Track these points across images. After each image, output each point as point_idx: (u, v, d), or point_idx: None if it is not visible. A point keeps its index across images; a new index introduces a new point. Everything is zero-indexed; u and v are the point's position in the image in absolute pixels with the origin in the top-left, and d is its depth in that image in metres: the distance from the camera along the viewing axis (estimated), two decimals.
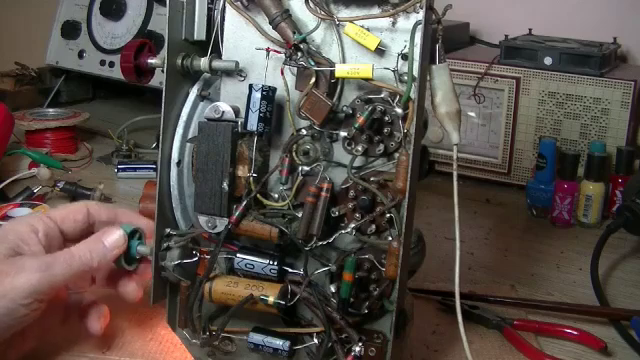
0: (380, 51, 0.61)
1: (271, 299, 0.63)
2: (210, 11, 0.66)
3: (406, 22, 0.60)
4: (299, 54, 0.61)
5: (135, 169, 1.32)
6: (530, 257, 1.05)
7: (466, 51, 1.42)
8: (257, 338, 0.65)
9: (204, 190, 0.65)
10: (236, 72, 0.65)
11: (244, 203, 0.64)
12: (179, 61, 0.65)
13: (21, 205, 1.03)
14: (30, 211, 1.00)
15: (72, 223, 0.72)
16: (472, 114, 1.30)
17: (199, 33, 0.66)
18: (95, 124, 1.50)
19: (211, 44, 0.66)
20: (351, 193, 0.63)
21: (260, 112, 0.62)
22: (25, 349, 0.70)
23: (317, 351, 0.64)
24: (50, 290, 0.65)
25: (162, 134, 0.66)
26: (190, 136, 0.67)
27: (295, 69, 0.62)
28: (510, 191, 1.28)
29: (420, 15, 0.59)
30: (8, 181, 1.17)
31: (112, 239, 0.68)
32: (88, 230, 0.73)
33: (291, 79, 0.63)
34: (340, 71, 0.60)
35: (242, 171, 0.64)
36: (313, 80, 0.61)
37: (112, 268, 0.72)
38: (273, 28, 0.62)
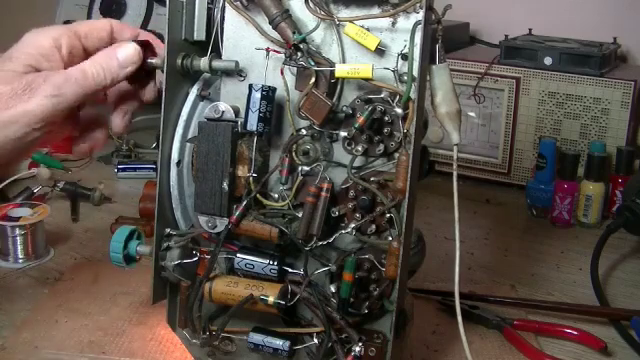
0: (380, 51, 0.61)
1: (271, 299, 0.62)
2: (210, 11, 0.66)
3: (406, 22, 0.60)
4: (299, 54, 0.61)
5: (135, 169, 1.33)
6: (530, 257, 1.05)
7: (466, 51, 1.42)
8: (257, 338, 0.65)
9: (204, 190, 0.65)
10: (236, 72, 0.65)
11: (244, 203, 0.64)
12: (179, 61, 0.65)
13: (21, 205, 1.03)
14: (30, 211, 1.00)
15: (96, 40, 0.67)
16: (472, 114, 1.30)
17: (199, 33, 0.66)
18: None
19: (211, 44, 0.66)
20: (351, 193, 0.63)
21: (260, 112, 0.62)
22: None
23: (317, 351, 0.64)
24: (62, 112, 0.62)
25: (162, 134, 0.66)
26: (190, 136, 0.67)
27: (295, 69, 0.62)
28: (510, 191, 1.28)
29: (420, 15, 0.59)
30: (8, 181, 1.17)
31: (126, 54, 0.64)
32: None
33: (291, 79, 0.63)
34: (340, 71, 0.60)
35: (242, 171, 0.64)
36: (313, 80, 0.61)
37: (122, 86, 0.69)
38: (273, 28, 0.62)
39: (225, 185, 0.64)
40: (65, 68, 0.64)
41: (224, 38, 0.66)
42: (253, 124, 0.62)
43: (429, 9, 0.59)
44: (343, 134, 0.62)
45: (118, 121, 0.70)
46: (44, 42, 0.64)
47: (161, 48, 0.67)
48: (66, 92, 0.61)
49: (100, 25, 0.68)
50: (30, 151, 0.64)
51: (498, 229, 1.14)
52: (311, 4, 0.62)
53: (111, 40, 0.68)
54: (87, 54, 0.67)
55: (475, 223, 1.16)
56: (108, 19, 0.69)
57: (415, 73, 0.59)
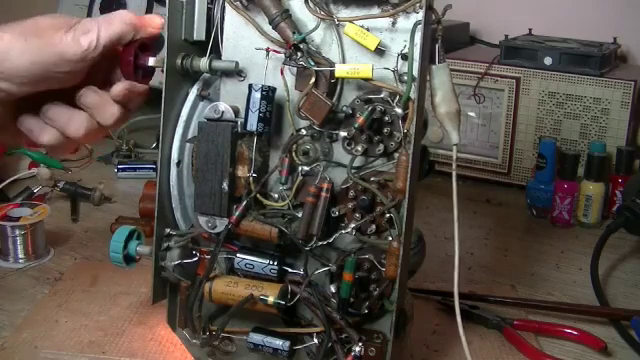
0: (380, 51, 0.61)
1: (271, 299, 0.62)
2: (210, 11, 0.66)
3: (406, 22, 0.60)
4: (299, 54, 0.61)
5: (135, 169, 1.33)
6: (530, 257, 1.05)
7: (466, 51, 1.42)
8: (257, 338, 0.65)
9: (204, 190, 0.65)
10: (236, 72, 0.65)
11: (244, 203, 0.64)
12: (179, 61, 0.65)
13: (21, 205, 1.03)
14: (30, 211, 1.00)
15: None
16: (472, 114, 1.30)
17: (199, 33, 0.66)
18: None
19: (211, 44, 0.66)
20: (351, 193, 0.63)
21: (260, 112, 0.62)
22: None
23: (317, 351, 0.64)
24: (104, 48, 0.64)
25: (162, 134, 0.66)
26: (190, 136, 0.67)
27: (295, 69, 0.62)
28: (510, 191, 1.28)
29: (420, 15, 0.59)
30: (8, 181, 1.17)
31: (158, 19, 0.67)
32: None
33: (291, 79, 0.63)
34: (340, 71, 0.60)
35: (242, 171, 0.64)
36: (313, 80, 0.61)
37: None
38: (273, 28, 0.62)
39: (225, 185, 0.64)
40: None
41: (224, 38, 0.66)
42: (253, 124, 0.62)
43: (429, 9, 0.59)
44: (343, 134, 0.62)
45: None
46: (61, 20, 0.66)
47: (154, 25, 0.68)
48: (110, 29, 0.64)
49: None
50: (52, 83, 0.65)
51: (498, 229, 1.14)
52: (311, 4, 0.62)
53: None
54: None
55: (475, 223, 1.16)
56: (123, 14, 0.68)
57: (415, 73, 0.59)
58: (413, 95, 0.60)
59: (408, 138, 0.60)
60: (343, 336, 0.63)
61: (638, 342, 0.82)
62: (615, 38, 1.34)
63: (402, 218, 0.60)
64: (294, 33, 0.61)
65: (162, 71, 0.65)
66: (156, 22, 0.67)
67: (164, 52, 0.64)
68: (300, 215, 0.63)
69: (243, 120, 0.63)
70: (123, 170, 1.32)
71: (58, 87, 0.65)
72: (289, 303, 0.63)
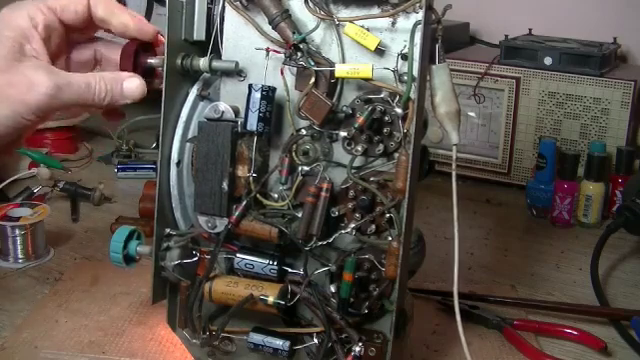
0: (380, 51, 0.61)
1: (271, 299, 0.62)
2: (210, 11, 0.66)
3: (406, 22, 0.60)
4: (299, 54, 0.61)
5: (135, 169, 1.33)
6: (530, 257, 1.05)
7: (466, 51, 1.42)
8: (257, 338, 0.65)
9: (204, 190, 0.65)
10: (236, 72, 0.65)
11: (244, 203, 0.64)
12: (179, 61, 0.65)
13: (21, 205, 1.03)
14: (30, 211, 1.00)
15: (73, 15, 0.67)
16: (472, 114, 1.30)
17: (199, 33, 0.66)
18: (95, 124, 1.50)
19: (211, 44, 0.66)
20: (351, 193, 0.63)
21: (260, 112, 0.62)
22: None
23: (317, 351, 0.64)
24: (53, 111, 0.64)
25: (162, 134, 0.66)
26: (190, 136, 0.67)
27: (295, 69, 0.62)
28: (510, 191, 1.28)
29: (420, 15, 0.59)
30: (8, 181, 1.17)
31: (132, 86, 0.66)
32: (88, 22, 0.69)
33: (291, 79, 0.63)
34: (340, 71, 0.60)
35: (242, 171, 0.64)
36: (313, 80, 0.61)
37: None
38: (273, 28, 0.62)
39: (225, 185, 0.64)
40: (45, 46, 0.65)
41: (224, 38, 0.66)
42: (253, 124, 0.62)
43: (429, 9, 0.59)
44: (343, 134, 0.62)
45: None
46: (21, 22, 0.64)
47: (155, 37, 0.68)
48: (64, 96, 0.63)
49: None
50: (17, 142, 0.66)
51: (498, 229, 1.14)
52: (311, 4, 0.62)
53: (89, 13, 0.68)
54: (65, 28, 0.68)
55: (475, 223, 1.16)
56: None
57: (415, 73, 0.59)
58: (413, 95, 0.60)
59: (408, 138, 0.60)
60: (343, 336, 0.63)
61: (638, 342, 0.82)
62: (615, 38, 1.34)
63: (402, 218, 0.60)
64: (294, 33, 0.61)
65: (162, 71, 0.65)
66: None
67: (164, 52, 0.64)
68: (300, 215, 0.63)
69: (243, 120, 0.63)
70: (123, 170, 1.32)
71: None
72: (289, 303, 0.63)
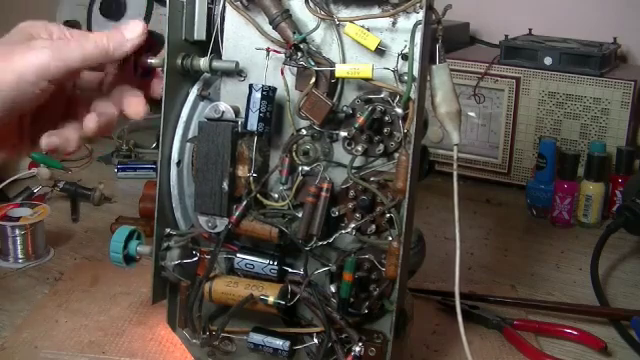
0: (380, 51, 0.61)
1: (271, 299, 0.62)
2: (210, 11, 0.66)
3: (406, 22, 0.60)
4: (299, 54, 0.61)
5: (135, 169, 1.33)
6: (530, 257, 1.05)
7: (466, 51, 1.42)
8: (257, 338, 0.65)
9: (204, 190, 0.65)
10: (236, 72, 0.65)
11: (244, 203, 0.64)
12: (179, 61, 0.65)
13: (21, 205, 1.03)
14: (30, 211, 1.00)
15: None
16: (472, 114, 1.30)
17: (199, 33, 0.66)
18: None
19: (211, 44, 0.66)
20: (351, 193, 0.63)
21: (260, 112, 0.62)
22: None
23: (317, 351, 0.64)
24: (60, 71, 0.61)
25: (162, 134, 0.66)
26: (190, 136, 0.67)
27: (295, 69, 0.62)
28: (510, 191, 1.28)
29: (420, 15, 0.59)
30: (8, 181, 1.17)
31: (132, 27, 0.63)
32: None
33: (291, 79, 0.63)
34: (340, 71, 0.60)
35: (242, 171, 0.64)
36: (313, 80, 0.61)
37: (121, 73, 0.67)
38: (273, 28, 0.62)
39: (225, 185, 0.64)
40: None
41: (224, 38, 0.66)
42: (253, 124, 0.62)
43: (429, 9, 0.59)
44: (343, 134, 0.62)
45: (90, 123, 0.65)
46: (38, 24, 0.64)
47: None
48: (67, 50, 0.61)
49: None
50: (21, 110, 0.63)
51: (498, 229, 1.14)
52: (311, 4, 0.62)
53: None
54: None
55: (475, 223, 1.16)
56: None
57: (415, 73, 0.59)
58: (413, 95, 0.60)
59: (408, 138, 0.60)
60: (343, 336, 0.63)
61: (638, 342, 0.82)
62: (615, 38, 1.34)
63: (402, 218, 0.60)
64: (294, 33, 0.61)
65: (162, 71, 0.65)
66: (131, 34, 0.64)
67: (164, 52, 0.64)
68: (300, 215, 0.63)
69: (243, 120, 0.63)
70: (123, 170, 1.32)
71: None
72: (289, 303, 0.63)
